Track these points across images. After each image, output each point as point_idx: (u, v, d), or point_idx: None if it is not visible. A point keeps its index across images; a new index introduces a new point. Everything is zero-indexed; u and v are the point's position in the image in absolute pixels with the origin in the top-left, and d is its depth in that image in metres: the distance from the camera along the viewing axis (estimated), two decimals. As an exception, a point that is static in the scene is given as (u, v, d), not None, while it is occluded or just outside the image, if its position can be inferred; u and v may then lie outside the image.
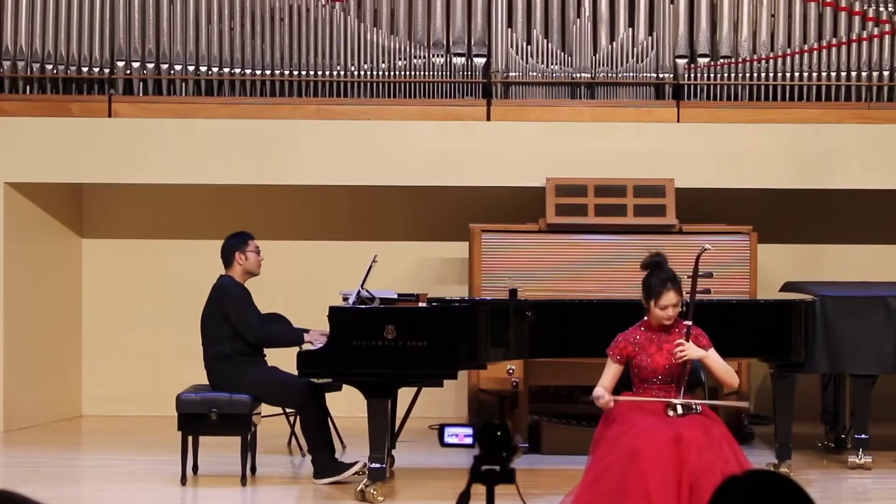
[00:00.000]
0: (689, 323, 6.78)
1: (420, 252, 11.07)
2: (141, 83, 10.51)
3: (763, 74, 10.48)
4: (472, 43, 10.62)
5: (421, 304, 8.40)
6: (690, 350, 6.69)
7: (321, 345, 8.13)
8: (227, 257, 8.68)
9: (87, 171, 10.44)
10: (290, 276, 10.78)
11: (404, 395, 8.65)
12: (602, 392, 6.69)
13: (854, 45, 10.49)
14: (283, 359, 8.75)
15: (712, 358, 6.78)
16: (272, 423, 9.57)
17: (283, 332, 8.77)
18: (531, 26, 10.60)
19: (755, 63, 10.48)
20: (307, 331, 8.60)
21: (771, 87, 10.50)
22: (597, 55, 10.55)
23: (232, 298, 8.53)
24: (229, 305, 8.51)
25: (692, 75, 10.51)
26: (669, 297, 6.69)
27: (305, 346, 8.50)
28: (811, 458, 9.30)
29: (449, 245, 10.97)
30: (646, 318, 6.84)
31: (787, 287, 9.75)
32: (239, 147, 10.34)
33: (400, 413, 8.76)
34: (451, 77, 10.54)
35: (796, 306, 8.56)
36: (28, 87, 10.49)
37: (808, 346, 8.64)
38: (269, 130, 10.36)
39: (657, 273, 6.78)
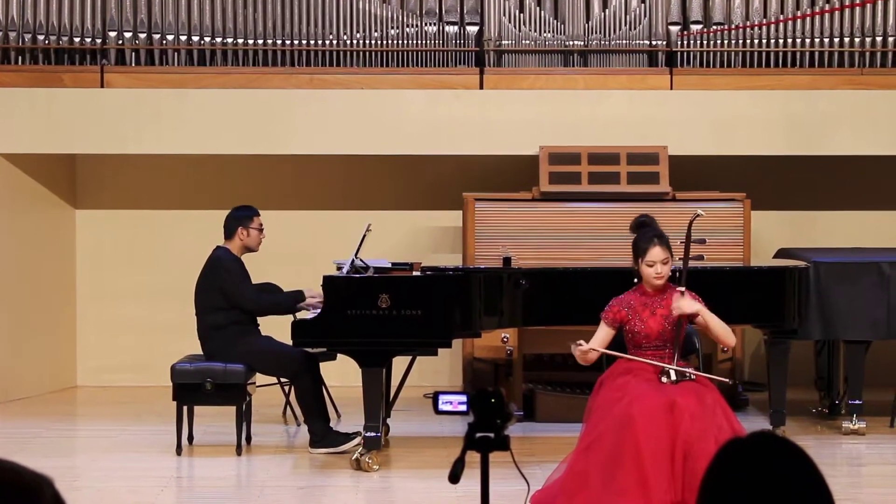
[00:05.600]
0: (682, 289, 6.79)
1: (414, 221, 11.06)
2: (133, 53, 10.48)
3: (756, 41, 10.46)
4: (465, 11, 10.59)
5: (415, 273, 8.40)
6: (683, 304, 6.69)
7: (318, 311, 8.14)
8: (230, 229, 8.67)
9: (79, 142, 10.42)
10: (284, 245, 10.76)
11: (399, 363, 8.66)
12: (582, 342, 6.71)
13: (847, 10, 10.47)
14: (277, 328, 8.76)
15: (707, 314, 6.77)
16: (267, 392, 9.58)
17: (279, 299, 8.77)
18: (524, -6, 10.57)
19: (748, 29, 10.46)
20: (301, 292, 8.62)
21: (764, 54, 10.48)
22: (589, 23, 10.52)
23: (227, 272, 8.52)
24: (225, 279, 8.50)
25: (685, 42, 10.49)
26: (656, 253, 6.71)
27: (301, 314, 8.51)
28: (805, 425, 9.32)
29: (442, 214, 10.96)
30: (640, 283, 6.85)
31: (781, 254, 9.76)
32: (232, 117, 10.32)
33: (394, 382, 8.78)
34: (443, 46, 10.51)
35: (790, 272, 8.57)
36: (20, 57, 10.46)
37: (802, 313, 8.65)
38: (262, 100, 10.33)
39: (644, 231, 6.83)
